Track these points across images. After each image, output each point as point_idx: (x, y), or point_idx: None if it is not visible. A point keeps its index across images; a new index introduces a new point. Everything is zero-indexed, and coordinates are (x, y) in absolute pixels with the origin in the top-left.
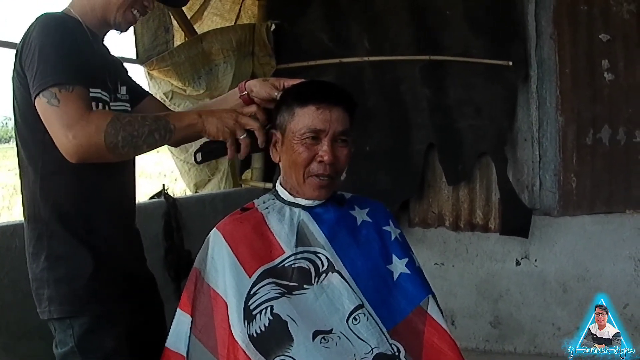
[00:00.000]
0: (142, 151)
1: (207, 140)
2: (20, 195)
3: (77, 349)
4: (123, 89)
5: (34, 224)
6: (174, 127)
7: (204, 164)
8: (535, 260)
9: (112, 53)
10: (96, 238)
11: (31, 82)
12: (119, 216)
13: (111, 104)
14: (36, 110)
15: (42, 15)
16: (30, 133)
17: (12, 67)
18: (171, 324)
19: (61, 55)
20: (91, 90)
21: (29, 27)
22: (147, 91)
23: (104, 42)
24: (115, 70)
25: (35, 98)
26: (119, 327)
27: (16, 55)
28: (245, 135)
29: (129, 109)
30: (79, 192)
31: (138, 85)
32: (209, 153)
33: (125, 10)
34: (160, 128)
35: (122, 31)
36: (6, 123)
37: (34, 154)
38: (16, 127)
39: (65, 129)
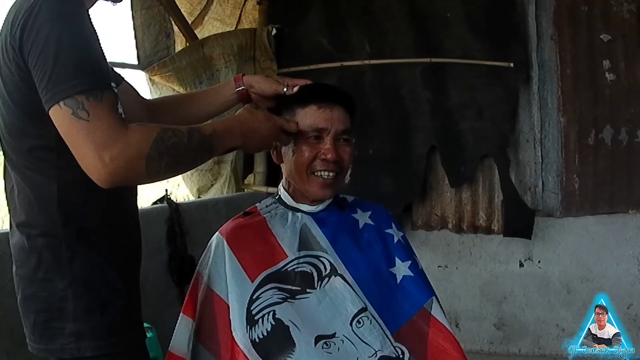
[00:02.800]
0: (177, 174)
1: None
2: (15, 210)
3: None
4: None
5: (45, 243)
6: (215, 151)
7: (206, 170)
8: (539, 262)
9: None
10: (121, 255)
11: (44, 84)
12: (134, 225)
13: None
14: (42, 111)
15: None
16: (36, 138)
17: (2, 54)
18: (174, 329)
19: (84, 49)
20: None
21: (30, 4)
22: (122, 77)
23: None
24: None
25: (52, 106)
26: (149, 354)
27: (12, 42)
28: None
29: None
30: (103, 204)
31: (113, 70)
32: None
33: None
34: (204, 152)
35: (116, 2)
36: None
37: (44, 160)
38: (7, 130)
39: (100, 150)
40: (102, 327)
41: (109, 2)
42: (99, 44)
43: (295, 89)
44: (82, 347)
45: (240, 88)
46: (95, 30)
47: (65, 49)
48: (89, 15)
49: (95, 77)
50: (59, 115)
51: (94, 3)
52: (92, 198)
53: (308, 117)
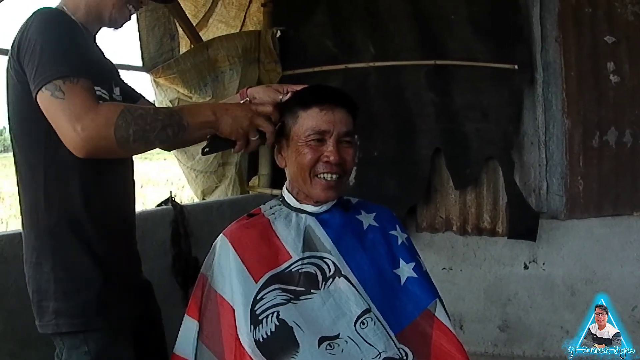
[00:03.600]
0: (153, 147)
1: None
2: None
3: None
4: (117, 90)
5: (36, 232)
6: (188, 124)
7: (210, 172)
8: (543, 264)
9: (105, 54)
10: (104, 245)
11: (32, 77)
12: (124, 220)
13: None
14: (36, 109)
15: (38, 10)
16: (28, 135)
17: (7, 66)
18: (179, 330)
19: (63, 48)
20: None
21: (26, 22)
22: (139, 94)
23: (96, 42)
24: (109, 70)
25: (37, 93)
26: (131, 338)
27: (12, 52)
28: (257, 136)
29: None
30: (86, 197)
31: (131, 88)
32: (216, 146)
33: (122, 6)
34: (174, 124)
35: (116, 28)
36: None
37: (34, 157)
38: (12, 131)
39: (73, 121)
40: (78, 307)
41: (111, 28)
42: (84, 52)
43: (288, 95)
44: (60, 323)
45: (244, 100)
46: (77, 39)
47: (48, 49)
48: (78, 31)
49: (72, 67)
50: (42, 98)
51: (99, 30)
52: (75, 191)
53: (310, 119)
